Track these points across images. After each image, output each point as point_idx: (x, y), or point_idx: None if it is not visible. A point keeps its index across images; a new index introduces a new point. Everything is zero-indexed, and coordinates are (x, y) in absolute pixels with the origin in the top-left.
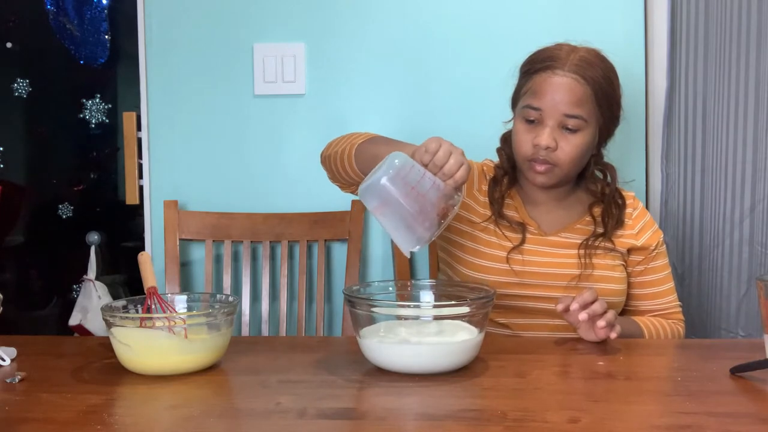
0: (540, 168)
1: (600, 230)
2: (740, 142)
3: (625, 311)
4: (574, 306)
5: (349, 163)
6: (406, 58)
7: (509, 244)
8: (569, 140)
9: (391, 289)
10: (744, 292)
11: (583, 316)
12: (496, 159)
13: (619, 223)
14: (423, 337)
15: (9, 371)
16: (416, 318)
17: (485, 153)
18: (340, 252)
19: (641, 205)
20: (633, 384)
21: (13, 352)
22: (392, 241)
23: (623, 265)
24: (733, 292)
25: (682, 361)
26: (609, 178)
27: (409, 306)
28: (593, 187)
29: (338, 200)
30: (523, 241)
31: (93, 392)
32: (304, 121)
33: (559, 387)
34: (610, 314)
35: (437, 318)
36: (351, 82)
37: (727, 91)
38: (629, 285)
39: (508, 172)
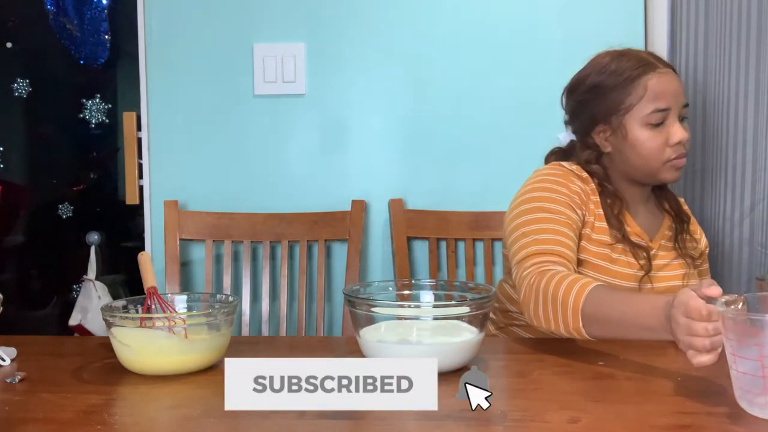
0: (681, 162)
1: (679, 225)
2: (740, 142)
3: None
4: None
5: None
6: (406, 58)
7: (637, 268)
8: (687, 128)
9: (391, 289)
10: (744, 293)
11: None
12: (503, 159)
13: (687, 214)
14: (423, 337)
15: (9, 371)
16: (416, 318)
17: (485, 153)
18: (340, 252)
19: None
20: (633, 384)
21: (13, 352)
22: (392, 241)
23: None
24: (733, 292)
25: (682, 361)
26: None
27: (409, 306)
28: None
29: (338, 200)
30: (649, 269)
31: (93, 392)
32: (304, 121)
33: (559, 387)
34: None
35: (437, 318)
36: (351, 82)
37: (727, 91)
38: None
39: (612, 188)
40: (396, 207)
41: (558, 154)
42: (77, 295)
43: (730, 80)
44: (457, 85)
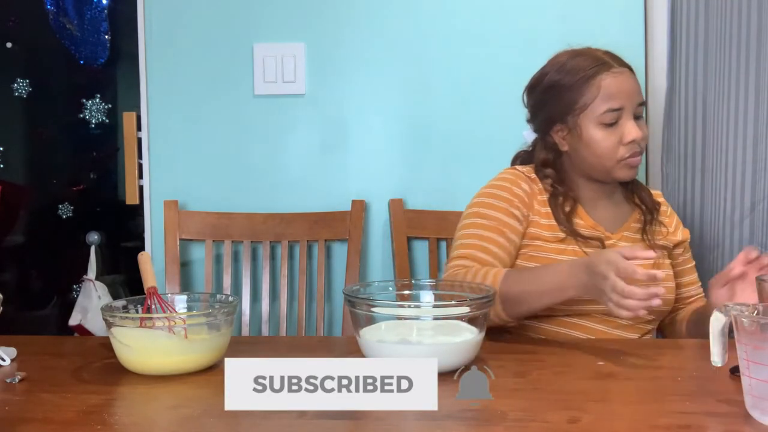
0: (638, 159)
1: (648, 216)
2: (740, 142)
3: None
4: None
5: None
6: (406, 58)
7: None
8: (642, 126)
9: (391, 289)
10: None
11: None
12: (497, 162)
13: (656, 204)
14: (423, 337)
15: (9, 371)
16: (416, 318)
17: (485, 153)
18: (340, 252)
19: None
20: (633, 384)
21: (13, 352)
22: (392, 241)
23: (671, 264)
24: None
25: (682, 361)
26: None
27: (409, 306)
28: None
29: (338, 200)
30: None
31: (93, 392)
32: (304, 121)
33: (559, 387)
34: None
35: (437, 318)
36: (351, 82)
37: (727, 91)
38: (685, 278)
39: (566, 187)
40: (396, 207)
41: (523, 157)
42: (77, 295)
43: (730, 80)
44: (457, 85)
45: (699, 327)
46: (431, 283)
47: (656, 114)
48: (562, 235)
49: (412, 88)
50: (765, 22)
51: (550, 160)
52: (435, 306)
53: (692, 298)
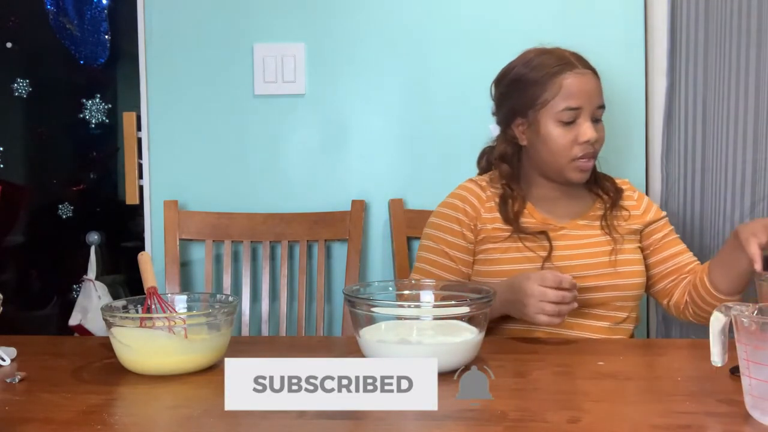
0: (589, 163)
1: (609, 203)
2: (740, 142)
3: (664, 276)
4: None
5: None
6: (406, 58)
7: (536, 255)
8: (600, 129)
9: (391, 289)
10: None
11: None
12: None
13: (618, 190)
14: (423, 337)
15: (9, 371)
16: (416, 318)
17: None
18: (340, 252)
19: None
20: (633, 384)
21: (13, 352)
22: (392, 241)
23: (640, 247)
24: None
25: (682, 361)
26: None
27: (409, 306)
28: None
29: (338, 200)
30: (551, 250)
31: (93, 392)
32: (304, 121)
33: (559, 387)
34: None
35: (437, 318)
36: (351, 82)
37: (727, 91)
38: (663, 257)
39: (515, 186)
40: (396, 207)
41: (488, 154)
42: (77, 295)
43: (730, 80)
44: (456, 85)
45: (725, 269)
46: (431, 283)
47: (656, 114)
48: (506, 234)
49: (412, 88)
50: (765, 22)
51: (509, 154)
52: (435, 306)
53: (688, 266)
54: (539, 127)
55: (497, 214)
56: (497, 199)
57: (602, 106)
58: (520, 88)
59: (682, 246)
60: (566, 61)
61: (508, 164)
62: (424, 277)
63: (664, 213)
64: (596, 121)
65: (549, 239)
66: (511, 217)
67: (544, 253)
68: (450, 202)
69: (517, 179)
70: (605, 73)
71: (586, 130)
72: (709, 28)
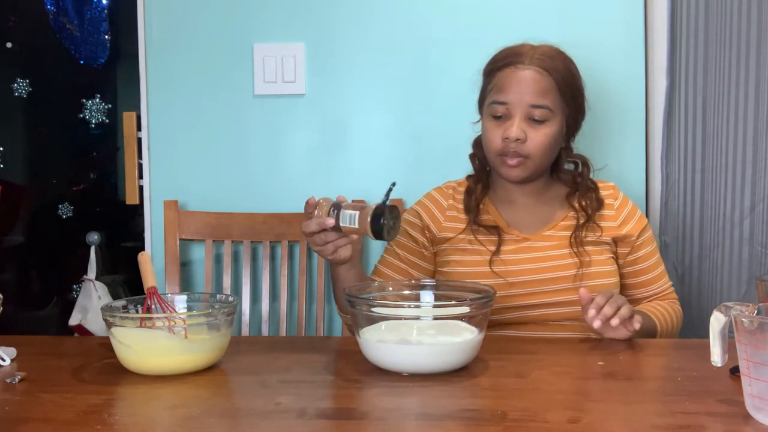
0: (512, 161)
1: (583, 219)
2: (740, 142)
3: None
4: (591, 313)
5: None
6: (406, 58)
7: (486, 249)
8: (538, 131)
9: (391, 289)
10: (744, 292)
11: (596, 323)
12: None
13: (599, 203)
14: (423, 337)
15: (9, 371)
16: (416, 318)
17: None
18: None
19: (622, 194)
20: (633, 384)
21: (13, 352)
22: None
23: (613, 257)
24: (733, 292)
25: (682, 361)
26: (581, 167)
27: (409, 306)
28: (566, 177)
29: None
30: (500, 244)
31: (93, 392)
32: (304, 121)
33: (559, 387)
34: (624, 310)
35: (437, 318)
36: (351, 82)
37: (727, 91)
38: (623, 275)
39: (482, 178)
40: None
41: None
42: (77, 295)
43: (730, 80)
44: (456, 84)
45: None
46: (431, 283)
47: (656, 114)
48: (462, 226)
49: (412, 88)
50: (765, 22)
51: (479, 150)
52: (435, 306)
53: (654, 297)
54: (483, 119)
55: (455, 213)
56: (464, 197)
57: (542, 107)
58: (483, 80)
59: (656, 272)
60: (513, 56)
61: (479, 160)
62: (377, 278)
63: (645, 226)
64: (536, 122)
65: (500, 234)
66: (472, 209)
67: (493, 248)
68: (410, 208)
69: (486, 175)
70: (605, 73)
71: (509, 126)
72: (709, 28)
